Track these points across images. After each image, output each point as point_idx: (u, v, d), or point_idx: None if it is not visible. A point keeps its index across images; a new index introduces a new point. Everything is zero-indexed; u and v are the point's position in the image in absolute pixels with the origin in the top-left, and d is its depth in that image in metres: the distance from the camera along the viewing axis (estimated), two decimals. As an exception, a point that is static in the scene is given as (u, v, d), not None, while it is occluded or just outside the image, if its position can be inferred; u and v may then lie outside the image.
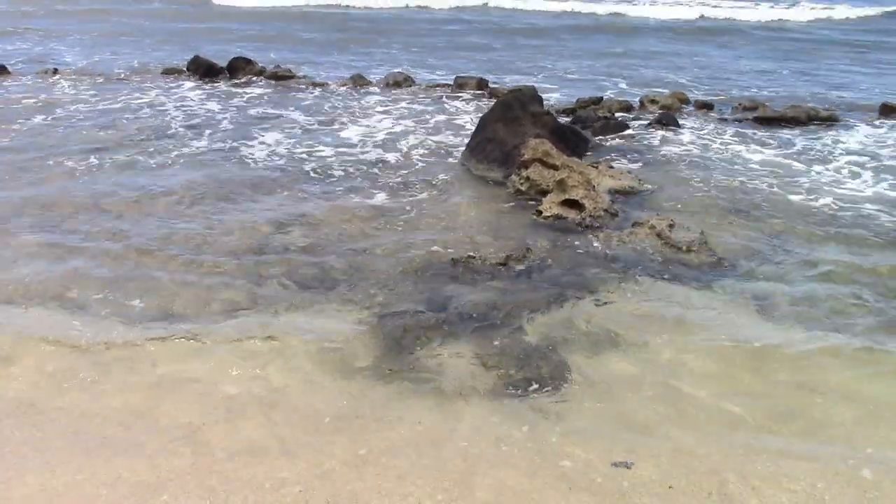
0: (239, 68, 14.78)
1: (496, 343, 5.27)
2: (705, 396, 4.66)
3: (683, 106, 12.99)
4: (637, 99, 13.24)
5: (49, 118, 11.42)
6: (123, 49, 18.14)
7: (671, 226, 7.18)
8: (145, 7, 25.19)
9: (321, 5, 28.25)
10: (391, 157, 9.75)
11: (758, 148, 10.46)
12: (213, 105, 12.56)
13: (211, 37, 20.64)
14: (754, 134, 11.22)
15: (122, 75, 14.88)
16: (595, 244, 7.03)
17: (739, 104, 12.94)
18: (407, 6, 27.76)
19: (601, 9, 26.84)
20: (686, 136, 11.09)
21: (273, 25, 23.27)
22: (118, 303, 5.81)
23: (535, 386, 4.77)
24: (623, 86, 15.11)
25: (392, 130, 11.12)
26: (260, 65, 15.01)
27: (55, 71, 14.85)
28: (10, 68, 14.88)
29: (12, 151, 9.72)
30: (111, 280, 6.18)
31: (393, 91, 13.95)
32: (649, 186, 8.56)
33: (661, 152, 10.17)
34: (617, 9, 26.59)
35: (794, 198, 8.35)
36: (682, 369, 4.96)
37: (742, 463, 4.01)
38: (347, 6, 27.99)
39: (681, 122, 11.75)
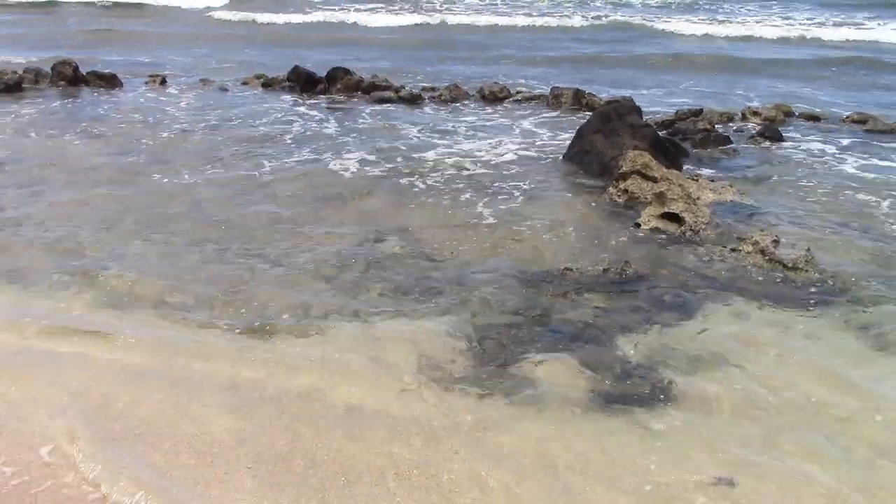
0: (337, 78, 14.99)
1: (594, 358, 5.19)
2: (807, 426, 4.49)
3: (787, 118, 12.60)
4: (739, 111, 12.92)
5: (159, 126, 11.85)
6: (221, 60, 18.67)
7: (775, 242, 6.94)
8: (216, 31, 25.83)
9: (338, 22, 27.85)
10: (487, 167, 9.74)
11: (868, 162, 10.04)
12: (313, 115, 12.82)
13: (308, 47, 21.03)
14: (864, 147, 10.78)
15: (225, 85, 15.30)
16: (695, 259, 6.86)
17: (847, 117, 12.47)
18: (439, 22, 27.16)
19: (693, 29, 25.90)
20: (790, 148, 10.75)
21: (350, 37, 23.62)
22: (217, 308, 5.95)
23: (634, 402, 4.68)
24: (734, 99, 14.73)
25: (488, 141, 11.12)
26: (358, 75, 15.21)
27: (164, 81, 15.39)
28: (120, 78, 15.50)
29: (125, 156, 10.14)
30: (209, 283, 6.35)
31: (489, 101, 13.96)
32: (752, 201, 8.32)
33: (764, 166, 9.88)
34: (713, 29, 25.59)
35: (908, 215, 7.98)
36: (784, 396, 4.76)
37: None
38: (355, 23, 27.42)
39: (785, 134, 11.40)
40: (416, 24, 26.15)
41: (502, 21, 26.23)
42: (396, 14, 28.23)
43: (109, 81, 15.22)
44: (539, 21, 26.26)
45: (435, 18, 27.00)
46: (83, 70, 15.44)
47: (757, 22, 25.66)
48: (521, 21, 26.25)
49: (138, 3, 31.47)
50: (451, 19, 26.92)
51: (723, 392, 4.80)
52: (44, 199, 8.35)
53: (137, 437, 4.29)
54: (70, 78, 15.13)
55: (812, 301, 6.05)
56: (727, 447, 4.25)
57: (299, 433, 4.34)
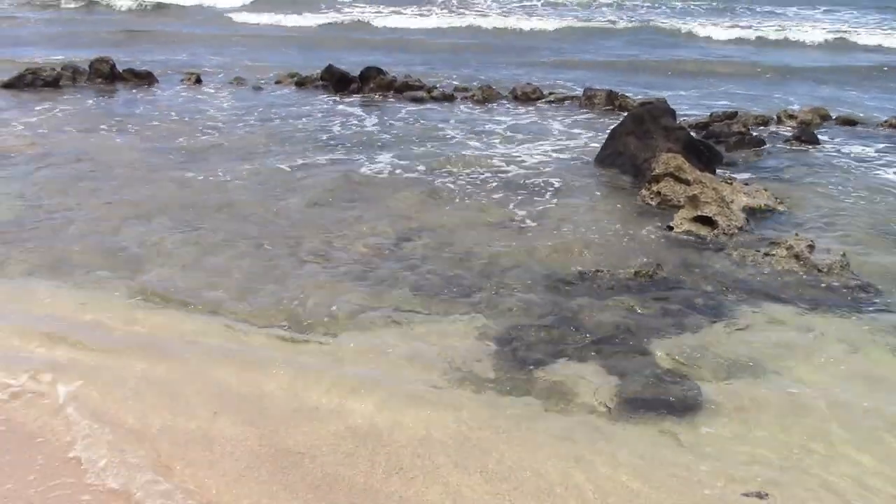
0: (370, 78, 15.02)
1: (624, 362, 5.15)
2: (849, 434, 4.40)
3: (824, 122, 12.43)
4: (774, 114, 12.77)
5: (195, 123, 11.97)
6: (253, 59, 18.79)
7: (810, 247, 6.85)
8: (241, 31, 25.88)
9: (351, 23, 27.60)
10: (519, 168, 9.73)
11: (905, 167, 9.90)
12: (349, 113, 12.90)
13: (338, 49, 21.08)
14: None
15: (259, 84, 15.41)
16: (728, 263, 6.79)
17: (885, 121, 12.28)
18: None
19: (725, 35, 25.51)
20: (826, 152, 10.61)
21: (380, 37, 23.64)
22: (245, 308, 5.96)
23: (665, 410, 4.62)
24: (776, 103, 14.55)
25: (521, 141, 11.11)
26: (391, 75, 15.23)
27: (199, 79, 15.53)
28: (156, 76, 15.66)
29: (161, 153, 10.24)
30: (239, 283, 6.37)
31: (521, 102, 13.94)
32: (786, 205, 8.22)
33: (800, 169, 9.75)
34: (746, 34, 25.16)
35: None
36: (824, 404, 4.67)
37: None
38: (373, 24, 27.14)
39: (821, 138, 11.25)
40: (447, 27, 26.08)
41: (536, 24, 26.10)
42: (426, 17, 28.20)
43: (145, 79, 15.40)
44: (574, 24, 26.10)
45: (465, 21, 26.90)
46: (119, 68, 15.63)
47: (796, 26, 25.31)
48: (554, 24, 26.09)
49: (161, 4, 31.68)
50: (483, 22, 26.83)
51: (759, 399, 4.73)
52: (79, 195, 8.43)
53: (149, 438, 4.32)
54: (107, 75, 15.32)
55: (848, 306, 5.96)
56: (764, 456, 4.18)
57: (320, 436, 4.32)
